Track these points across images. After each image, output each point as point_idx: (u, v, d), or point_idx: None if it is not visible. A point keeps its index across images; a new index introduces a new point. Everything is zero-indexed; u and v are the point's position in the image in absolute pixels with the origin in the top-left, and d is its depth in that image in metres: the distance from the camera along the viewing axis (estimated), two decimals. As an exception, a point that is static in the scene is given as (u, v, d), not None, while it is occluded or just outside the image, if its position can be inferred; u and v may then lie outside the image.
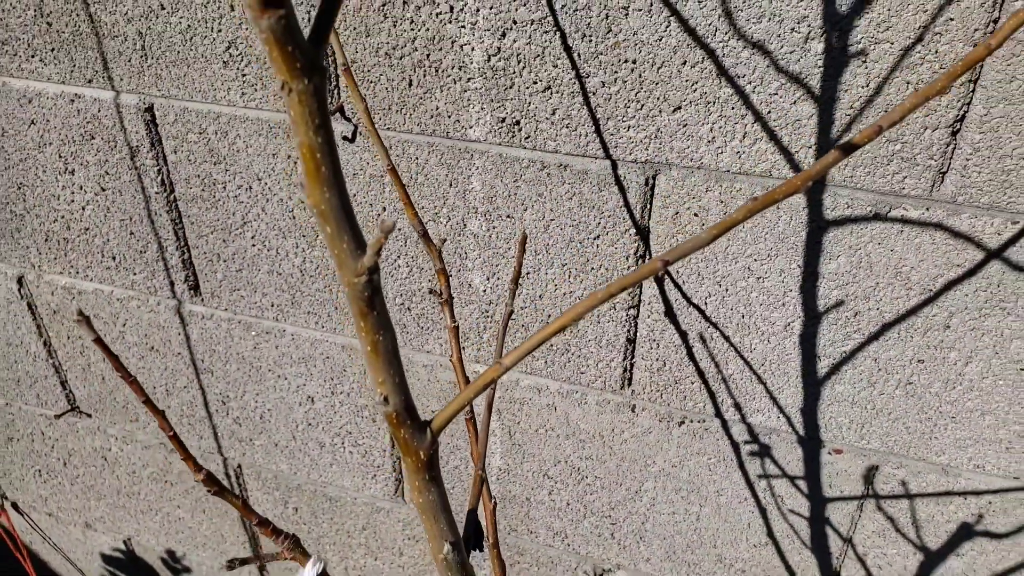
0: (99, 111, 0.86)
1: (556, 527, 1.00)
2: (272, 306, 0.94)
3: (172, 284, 0.97)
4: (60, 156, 0.92)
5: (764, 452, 0.83)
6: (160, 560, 1.41)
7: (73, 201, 0.95)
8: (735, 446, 0.83)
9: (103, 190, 0.92)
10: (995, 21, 0.56)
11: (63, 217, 0.97)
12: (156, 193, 0.90)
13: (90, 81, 0.84)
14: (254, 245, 0.89)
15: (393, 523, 1.10)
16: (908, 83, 0.60)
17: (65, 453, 1.29)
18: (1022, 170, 0.60)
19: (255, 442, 1.10)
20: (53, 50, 0.83)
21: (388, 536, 1.13)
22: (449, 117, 0.73)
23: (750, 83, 0.63)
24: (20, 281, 1.07)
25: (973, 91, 0.59)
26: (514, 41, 0.67)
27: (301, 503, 1.15)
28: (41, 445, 1.30)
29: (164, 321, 1.02)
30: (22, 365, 1.18)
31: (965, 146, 0.61)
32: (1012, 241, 0.63)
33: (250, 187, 0.84)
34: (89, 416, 1.20)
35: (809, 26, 0.60)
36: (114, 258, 0.98)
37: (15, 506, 1.45)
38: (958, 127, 0.61)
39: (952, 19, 0.56)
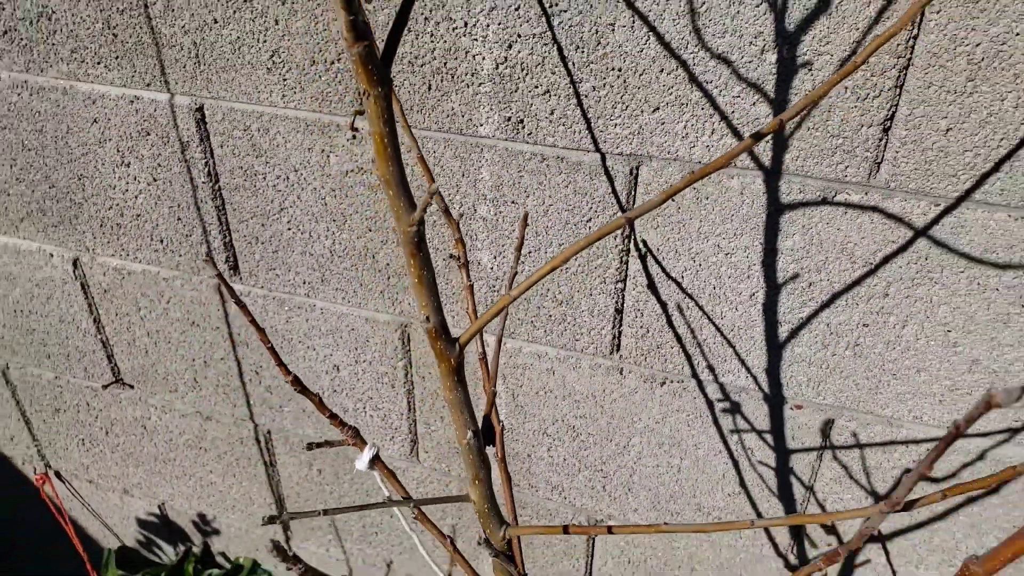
0: (155, 111, 0.98)
1: (554, 481, 1.12)
2: (304, 283, 1.06)
3: (214, 265, 1.10)
4: (118, 150, 1.04)
5: (735, 409, 0.95)
6: (191, 523, 1.53)
7: (127, 190, 1.07)
8: (710, 404, 0.96)
9: (155, 180, 1.05)
10: (915, 38, 0.68)
11: (117, 205, 1.10)
12: (203, 183, 1.02)
13: (148, 85, 0.97)
14: (289, 229, 1.02)
15: (408, 481, 1.22)
16: (846, 88, 0.72)
17: (108, 423, 1.41)
18: (940, 161, 0.72)
19: (284, 409, 1.22)
20: (117, 58, 0.96)
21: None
22: (462, 116, 0.85)
23: (716, 88, 0.75)
24: (75, 263, 1.19)
25: (899, 95, 0.71)
26: (519, 52, 0.79)
27: (324, 466, 1.27)
28: (86, 416, 1.42)
29: (205, 298, 1.14)
30: (72, 341, 1.31)
31: (895, 141, 0.73)
32: (935, 221, 0.75)
33: (287, 177, 0.97)
34: (132, 387, 1.33)
35: (764, 40, 0.72)
36: (162, 241, 1.11)
37: (58, 474, 1.57)
38: (888, 125, 0.73)
39: (878, 35, 0.68)
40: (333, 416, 0.52)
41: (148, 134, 1.01)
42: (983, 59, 0.67)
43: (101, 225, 1.13)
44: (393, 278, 1.01)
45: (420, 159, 0.57)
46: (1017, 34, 0.65)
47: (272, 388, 1.20)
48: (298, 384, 0.50)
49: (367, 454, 0.53)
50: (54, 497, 1.57)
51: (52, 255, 1.20)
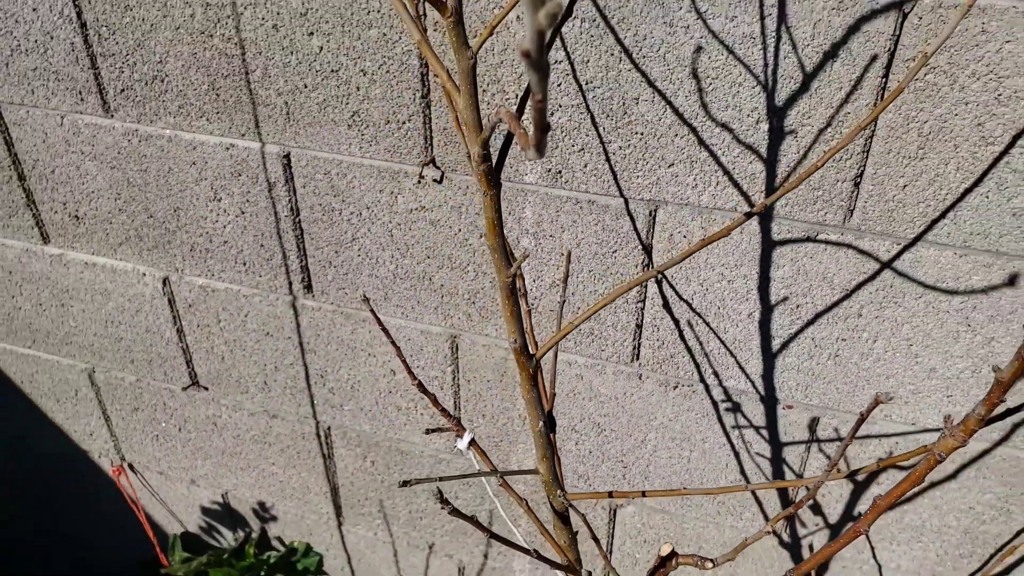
0: (247, 156, 1.17)
1: (580, 471, 1.30)
2: (369, 300, 1.24)
3: (290, 284, 1.28)
4: (212, 188, 1.23)
5: (736, 408, 1.13)
6: (251, 510, 1.72)
7: (217, 221, 1.26)
8: (715, 404, 1.14)
9: (242, 213, 1.23)
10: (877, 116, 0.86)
11: (207, 232, 1.28)
12: (285, 216, 1.21)
13: (243, 135, 1.15)
14: (359, 255, 1.20)
15: (451, 472, 1.41)
16: (836, 152, 0.90)
17: (181, 420, 1.60)
18: (900, 210, 0.90)
19: (344, 407, 1.41)
20: (218, 112, 1.14)
21: (447, 485, 1.43)
22: (511, 168, 1.03)
23: (720, 149, 0.93)
24: (164, 281, 1.38)
25: (866, 159, 0.89)
26: (559, 118, 0.97)
27: (377, 457, 1.46)
28: (162, 414, 1.61)
29: (280, 312, 1.33)
30: (155, 348, 1.49)
31: (864, 193, 0.91)
32: (897, 256, 0.93)
33: (360, 213, 1.15)
34: (206, 389, 1.51)
35: (759, 113, 0.90)
36: (244, 263, 1.29)
37: (131, 466, 1.76)
38: (859, 181, 0.91)
39: (848, 113, 0.87)
40: (444, 410, 0.70)
41: (240, 175, 1.19)
42: (930, 133, 0.85)
43: (191, 249, 1.32)
44: (446, 296, 1.19)
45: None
46: (956, 115, 0.83)
47: (334, 389, 1.39)
48: (421, 386, 0.69)
49: (466, 438, 0.70)
50: (128, 487, 1.76)
51: (145, 274, 1.39)
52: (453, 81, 0.56)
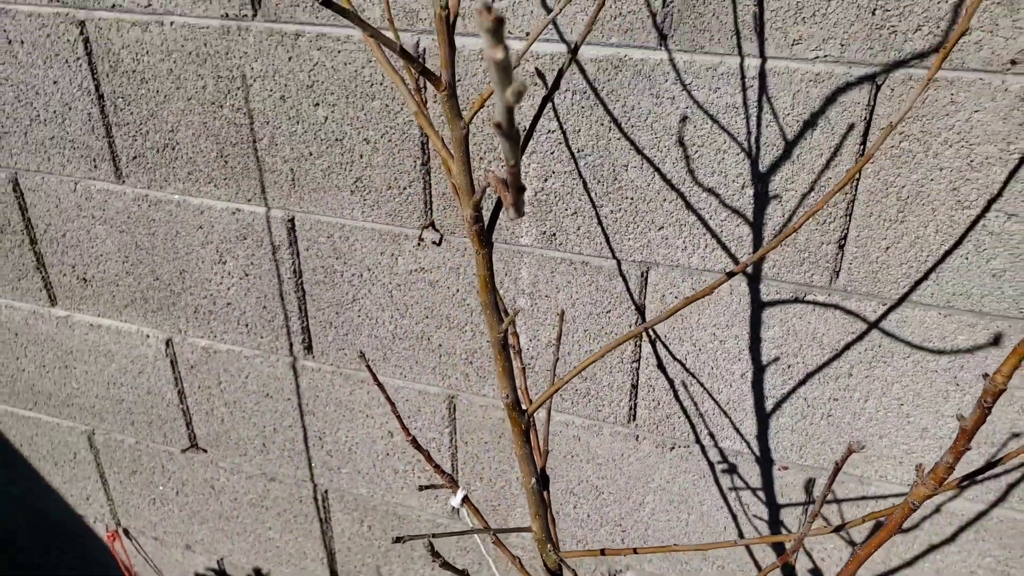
0: (253, 220, 1.21)
1: (579, 535, 1.29)
2: (365, 357, 1.26)
3: (291, 345, 1.30)
4: (217, 251, 1.26)
5: (732, 470, 1.13)
6: (246, 577, 1.69)
7: (221, 283, 1.29)
8: (711, 465, 1.14)
9: (246, 275, 1.27)
10: (857, 180, 0.90)
11: (211, 294, 1.31)
12: (288, 278, 1.24)
13: (249, 200, 1.19)
14: (359, 316, 1.23)
15: (449, 538, 1.39)
16: (814, 214, 0.93)
17: (179, 483, 1.59)
18: (884, 271, 0.93)
19: (342, 470, 1.41)
20: (225, 179, 1.19)
21: (444, 549, 1.42)
22: (508, 231, 1.07)
23: (708, 213, 0.97)
24: (168, 342, 1.40)
25: (849, 222, 0.92)
26: (553, 184, 1.01)
27: (374, 521, 1.45)
28: (160, 477, 1.61)
29: (280, 374, 1.34)
30: (156, 410, 1.50)
31: (848, 255, 0.94)
32: (884, 316, 0.95)
33: (361, 275, 1.18)
34: (205, 451, 1.52)
35: (743, 179, 0.93)
36: (247, 325, 1.32)
37: (126, 532, 1.74)
38: (843, 243, 0.94)
39: (830, 178, 0.90)
40: (437, 467, 0.71)
41: (245, 238, 1.23)
42: (908, 197, 0.88)
43: (195, 311, 1.34)
44: (444, 356, 1.21)
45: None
46: (932, 180, 0.86)
47: (332, 451, 1.39)
48: (415, 443, 0.70)
49: (459, 495, 0.71)
50: (122, 553, 1.74)
51: (148, 335, 1.41)
52: (448, 149, 0.59)
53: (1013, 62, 0.79)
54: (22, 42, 1.19)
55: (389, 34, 0.94)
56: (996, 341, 0.92)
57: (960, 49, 0.80)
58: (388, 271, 1.16)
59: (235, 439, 1.47)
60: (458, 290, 1.14)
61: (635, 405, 1.14)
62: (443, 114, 1.01)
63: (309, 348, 1.30)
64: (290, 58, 1.05)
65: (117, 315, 1.41)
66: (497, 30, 0.22)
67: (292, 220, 1.18)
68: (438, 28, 0.49)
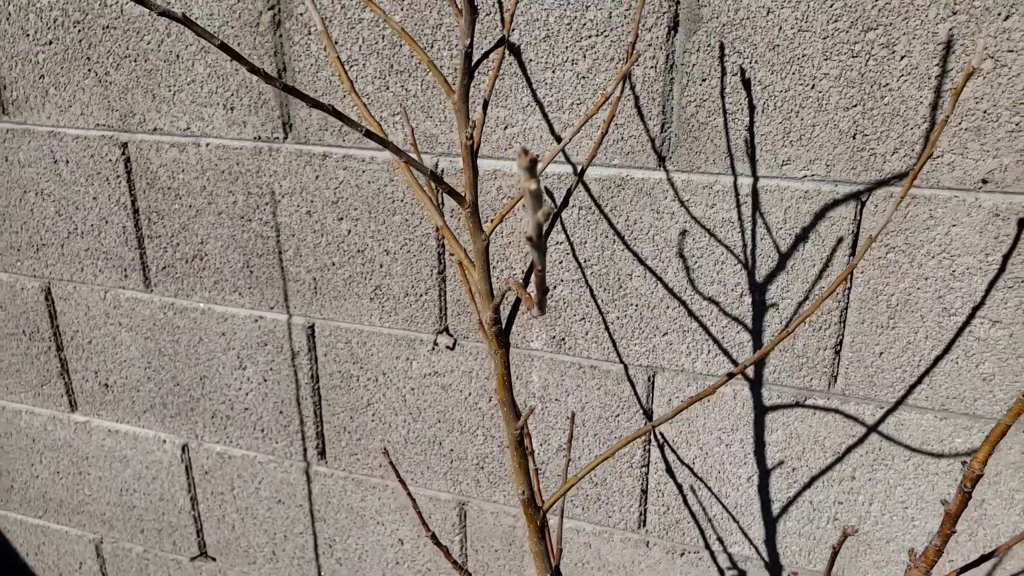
0: (274, 328, 1.26)
1: (589, 646, 1.27)
2: (380, 466, 1.29)
3: (305, 451, 1.33)
4: (238, 357, 1.31)
5: (743, 576, 1.13)
6: None
7: (240, 388, 1.33)
8: (721, 571, 1.14)
9: (265, 380, 1.31)
10: (849, 289, 0.95)
11: (229, 399, 1.35)
12: (305, 383, 1.28)
13: (272, 308, 1.25)
14: (372, 420, 1.26)
15: (457, 648, 1.37)
16: (805, 320, 0.99)
17: (184, 593, 1.57)
18: (879, 375, 0.97)
19: (350, 578, 1.40)
20: (250, 287, 1.25)
21: (451, 662, 1.39)
22: (519, 335, 1.12)
23: (709, 320, 1.02)
24: (184, 448, 1.43)
25: (843, 328, 0.97)
26: (561, 291, 1.07)
27: (381, 633, 1.42)
28: (164, 587, 1.59)
29: (293, 479, 1.36)
30: (167, 516, 1.51)
31: (844, 360, 0.98)
32: (882, 419, 0.99)
33: (376, 379, 1.23)
34: (214, 560, 1.51)
35: (741, 288, 0.99)
36: (263, 430, 1.35)
37: (125, 646, 1.70)
38: (839, 348, 0.98)
39: (823, 287, 0.96)
40: (455, 562, 0.73)
41: (266, 344, 1.28)
42: (898, 304, 0.93)
43: (212, 416, 1.38)
44: (455, 461, 1.23)
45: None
46: (918, 288, 0.92)
47: (342, 560, 1.39)
48: (435, 538, 0.72)
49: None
50: (119, 669, 1.69)
51: (165, 440, 1.44)
52: (469, 258, 0.65)
53: (984, 181, 0.86)
54: (67, 161, 1.29)
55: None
56: (993, 443, 0.95)
57: (935, 169, 0.88)
58: (403, 375, 1.21)
59: (244, 547, 1.46)
60: (470, 394, 1.18)
61: (645, 510, 1.15)
62: (460, 227, 1.08)
63: (323, 453, 1.32)
64: (317, 176, 1.14)
65: (136, 420, 1.44)
66: (532, 168, 0.27)
67: (312, 327, 1.24)
68: (463, 155, 0.56)
